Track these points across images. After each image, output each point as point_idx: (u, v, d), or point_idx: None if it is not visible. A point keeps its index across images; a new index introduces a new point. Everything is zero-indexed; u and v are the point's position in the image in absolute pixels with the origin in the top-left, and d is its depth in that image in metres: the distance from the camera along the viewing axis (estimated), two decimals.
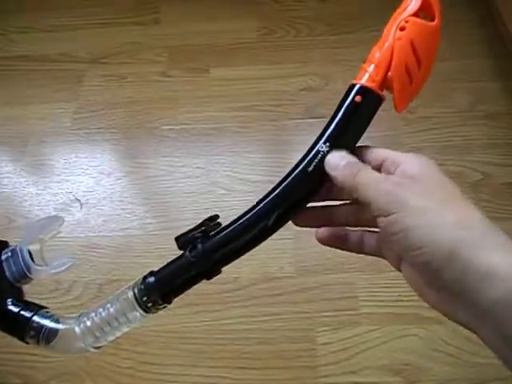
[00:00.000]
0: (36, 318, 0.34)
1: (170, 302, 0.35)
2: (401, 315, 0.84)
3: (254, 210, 0.34)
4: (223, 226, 0.35)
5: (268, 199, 0.33)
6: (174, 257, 0.35)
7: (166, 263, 0.35)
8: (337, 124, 0.33)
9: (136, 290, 0.34)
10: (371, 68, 0.32)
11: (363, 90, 0.33)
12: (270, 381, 0.81)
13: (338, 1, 1.32)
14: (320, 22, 1.28)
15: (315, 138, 0.34)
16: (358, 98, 0.32)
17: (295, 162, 0.34)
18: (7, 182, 1.09)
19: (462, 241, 0.26)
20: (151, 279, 0.34)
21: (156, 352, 0.85)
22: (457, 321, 0.29)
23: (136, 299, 0.34)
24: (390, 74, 0.32)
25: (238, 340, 0.85)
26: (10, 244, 0.37)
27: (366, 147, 0.34)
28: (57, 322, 0.35)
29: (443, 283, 0.28)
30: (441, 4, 0.32)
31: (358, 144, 0.34)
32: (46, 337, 0.34)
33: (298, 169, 0.33)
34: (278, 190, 0.33)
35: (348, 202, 0.36)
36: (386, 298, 0.86)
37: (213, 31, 1.29)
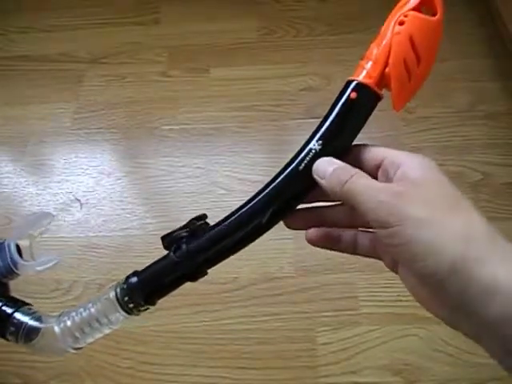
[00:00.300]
0: (17, 315, 0.33)
1: (153, 304, 0.34)
2: (401, 315, 0.84)
3: (242, 210, 0.32)
4: (210, 225, 0.33)
5: (257, 199, 0.32)
6: None
7: (150, 263, 0.34)
8: (331, 121, 0.31)
9: (118, 290, 0.33)
10: (369, 65, 0.31)
11: (359, 87, 0.31)
12: (269, 381, 0.81)
13: (338, 1, 1.32)
14: (320, 22, 1.28)
15: (305, 140, 0.32)
16: (353, 95, 0.31)
17: None
18: (7, 181, 1.09)
19: (466, 253, 0.25)
20: (134, 279, 0.33)
21: (156, 352, 0.85)
22: (457, 329, 0.28)
23: (118, 299, 0.33)
24: (387, 70, 0.30)
25: (237, 340, 0.85)
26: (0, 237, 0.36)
27: (364, 146, 0.32)
28: (38, 320, 0.34)
29: (445, 295, 0.27)
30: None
31: (354, 143, 0.33)
32: (26, 334, 0.33)
33: (290, 168, 0.32)
34: (269, 190, 0.32)
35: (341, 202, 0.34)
36: (386, 297, 0.86)
37: (213, 31, 1.29)
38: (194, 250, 0.32)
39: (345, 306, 0.86)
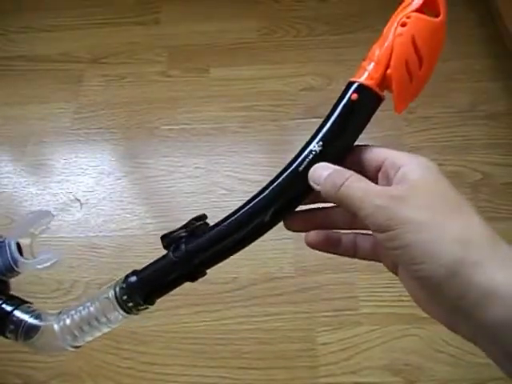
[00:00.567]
0: (17, 313, 0.33)
1: (152, 303, 0.34)
2: (401, 315, 0.84)
3: (241, 212, 0.32)
4: (210, 226, 0.33)
5: (256, 200, 0.32)
6: None
7: (149, 262, 0.34)
8: (332, 123, 0.31)
9: (117, 289, 0.33)
10: (370, 66, 0.31)
11: (361, 88, 0.31)
12: (270, 381, 0.81)
13: (338, 1, 1.32)
14: (320, 22, 1.28)
15: (306, 141, 0.32)
16: (354, 96, 0.31)
17: None
18: (7, 181, 1.09)
19: (465, 257, 0.25)
20: (133, 278, 0.33)
21: (156, 352, 0.85)
22: (455, 332, 0.28)
23: (116, 299, 0.33)
24: (389, 71, 0.30)
25: (237, 340, 0.85)
26: (1, 235, 0.36)
27: (366, 146, 0.32)
28: (37, 317, 0.34)
29: (443, 298, 0.27)
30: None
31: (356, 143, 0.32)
32: (25, 332, 0.33)
33: (290, 169, 0.32)
34: (268, 192, 0.32)
35: None
36: (386, 297, 0.86)
37: (213, 31, 1.29)
38: (193, 250, 0.32)
39: (345, 306, 0.86)
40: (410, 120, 1.07)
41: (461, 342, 0.79)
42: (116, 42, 1.30)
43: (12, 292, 0.36)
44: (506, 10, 1.13)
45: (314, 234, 0.34)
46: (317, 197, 0.33)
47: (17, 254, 0.35)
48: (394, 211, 0.27)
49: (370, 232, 0.32)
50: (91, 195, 1.05)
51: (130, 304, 0.33)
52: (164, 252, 0.34)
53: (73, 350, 0.34)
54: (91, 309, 0.33)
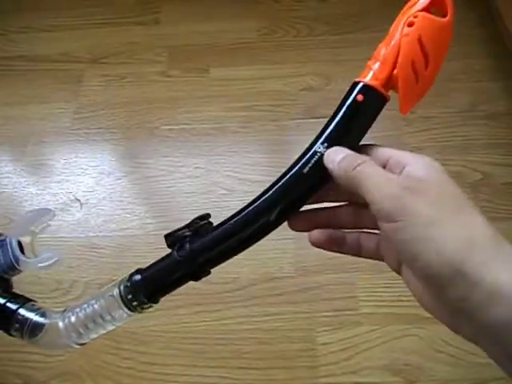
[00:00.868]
0: (21, 311, 0.34)
1: (156, 302, 0.34)
2: (401, 315, 0.84)
3: (244, 212, 0.32)
4: (214, 225, 0.33)
5: (261, 200, 0.32)
6: None
7: (154, 261, 0.34)
8: (336, 124, 0.31)
9: (122, 288, 0.33)
10: (376, 65, 0.31)
11: (366, 89, 0.31)
12: (270, 381, 0.81)
13: (338, 1, 1.32)
14: (320, 22, 1.28)
15: (310, 142, 0.32)
16: (359, 97, 0.31)
17: None
18: (7, 181, 1.09)
19: (469, 257, 0.25)
20: (137, 277, 0.33)
21: (156, 352, 0.85)
22: (458, 332, 0.28)
23: (121, 297, 0.33)
24: (395, 72, 0.30)
25: (237, 340, 0.85)
26: (2, 233, 0.36)
27: (370, 146, 0.32)
28: (42, 315, 0.34)
29: (447, 298, 0.26)
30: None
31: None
32: (31, 330, 0.33)
33: (293, 170, 0.32)
34: (272, 192, 0.32)
35: (346, 203, 0.34)
36: (386, 297, 0.86)
37: (213, 31, 1.29)
38: (197, 249, 0.32)
39: (345, 306, 0.86)
40: (410, 120, 1.07)
41: (461, 342, 0.79)
42: (116, 41, 1.30)
43: (12, 288, 0.36)
44: (506, 10, 1.13)
45: (317, 233, 0.34)
46: (321, 196, 0.33)
47: (18, 253, 0.35)
48: (404, 201, 0.27)
49: (375, 231, 0.33)
50: (91, 195, 1.05)
51: (135, 302, 0.33)
52: (165, 251, 0.34)
53: (78, 347, 0.34)
54: (96, 306, 0.33)
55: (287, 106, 1.13)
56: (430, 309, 0.29)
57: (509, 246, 0.26)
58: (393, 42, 0.30)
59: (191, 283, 0.34)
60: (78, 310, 0.33)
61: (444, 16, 0.30)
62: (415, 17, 0.30)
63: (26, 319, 0.33)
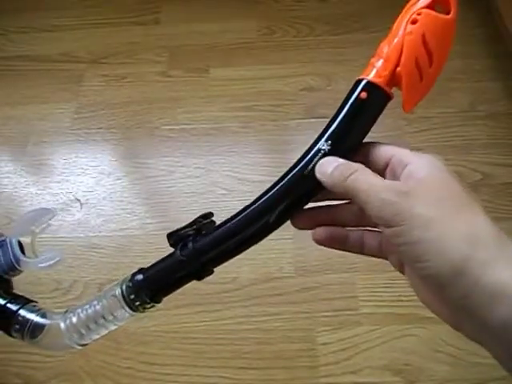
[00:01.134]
0: (22, 312, 0.33)
1: (159, 302, 0.34)
2: (401, 315, 0.84)
3: (249, 210, 0.32)
4: (217, 224, 0.33)
5: (264, 199, 0.32)
6: None
7: (156, 260, 0.34)
8: (340, 121, 0.31)
9: (124, 288, 0.33)
10: (379, 63, 0.30)
11: (369, 86, 0.30)
12: (269, 381, 0.81)
13: (338, 1, 1.32)
14: (320, 22, 1.28)
15: (313, 140, 0.32)
16: (363, 95, 0.30)
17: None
18: (7, 181, 1.09)
19: (472, 256, 0.25)
20: (139, 277, 0.33)
21: (156, 352, 0.85)
22: (460, 331, 0.28)
23: (123, 297, 0.33)
24: (398, 69, 0.30)
25: (237, 340, 0.85)
26: (2, 233, 0.36)
27: (373, 144, 0.32)
28: (43, 316, 0.34)
29: (449, 297, 0.26)
30: None
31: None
32: (31, 331, 0.33)
33: (297, 168, 0.31)
34: (276, 190, 0.31)
35: (348, 201, 0.34)
36: (386, 297, 0.86)
37: (213, 31, 1.29)
38: (201, 248, 0.32)
39: (345, 306, 0.86)
40: (410, 120, 1.07)
41: (461, 342, 0.79)
42: (116, 41, 1.30)
43: (13, 289, 0.36)
44: (506, 10, 1.13)
45: (321, 231, 0.34)
46: (324, 195, 0.33)
47: (19, 253, 0.35)
48: (401, 206, 0.27)
49: (378, 229, 0.32)
50: (91, 195, 1.05)
51: (137, 302, 0.33)
52: (166, 251, 0.34)
53: (79, 348, 0.34)
54: (97, 307, 0.33)
55: (287, 106, 1.13)
56: (432, 307, 0.29)
57: (511, 243, 0.26)
58: (396, 40, 0.30)
59: (191, 284, 0.34)
60: (79, 310, 0.33)
61: (447, 13, 0.30)
62: (419, 14, 0.29)
63: (27, 320, 0.33)
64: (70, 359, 0.85)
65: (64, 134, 1.15)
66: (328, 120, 0.32)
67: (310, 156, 0.31)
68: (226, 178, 1.03)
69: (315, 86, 1.15)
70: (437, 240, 0.26)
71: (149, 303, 0.33)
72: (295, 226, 0.34)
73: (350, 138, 0.31)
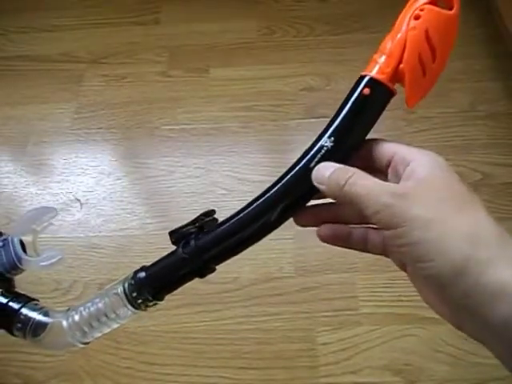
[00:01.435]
0: (24, 310, 0.33)
1: (161, 299, 0.33)
2: (401, 315, 0.84)
3: (252, 207, 0.32)
4: (219, 222, 0.33)
5: (267, 196, 0.32)
6: None
7: (158, 258, 0.34)
8: (343, 118, 0.31)
9: (126, 285, 0.33)
10: (382, 59, 0.30)
11: (372, 82, 0.30)
12: (269, 381, 0.81)
13: (338, 1, 1.32)
14: (320, 22, 1.28)
15: (316, 137, 0.32)
16: (366, 91, 0.30)
17: None
18: (7, 181, 1.09)
19: (473, 255, 0.25)
20: (142, 274, 0.33)
21: (156, 352, 0.85)
22: (462, 330, 0.28)
23: (126, 295, 0.33)
24: (401, 65, 0.30)
25: (237, 340, 0.85)
26: (4, 232, 0.36)
27: (376, 141, 0.32)
28: (45, 315, 0.34)
29: (450, 297, 0.26)
30: None
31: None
32: (34, 330, 0.33)
33: (300, 164, 0.31)
34: (279, 187, 0.31)
35: None
36: (386, 297, 0.86)
37: (213, 31, 1.29)
38: (203, 246, 0.32)
39: (345, 306, 0.86)
40: (410, 120, 1.07)
41: (461, 342, 0.79)
42: (116, 41, 1.30)
43: (15, 288, 0.36)
44: (506, 10, 1.13)
45: (325, 228, 0.33)
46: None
47: (20, 252, 0.35)
48: (399, 209, 0.27)
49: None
50: (91, 195, 1.05)
51: (139, 300, 0.33)
52: (166, 250, 0.34)
53: (82, 346, 0.34)
54: (100, 305, 0.33)
55: (287, 106, 1.13)
56: (434, 307, 0.29)
57: None
58: (399, 36, 0.30)
59: (191, 283, 0.34)
60: (81, 308, 0.33)
61: (450, 9, 0.30)
62: (421, 10, 0.29)
63: (29, 319, 0.33)
64: (70, 359, 0.85)
65: (64, 134, 1.15)
66: (328, 120, 0.32)
67: (312, 153, 0.31)
68: (226, 178, 1.03)
69: (315, 85, 1.15)
70: (437, 240, 0.26)
71: (151, 301, 0.33)
72: (298, 224, 0.34)
73: (352, 134, 0.31)
